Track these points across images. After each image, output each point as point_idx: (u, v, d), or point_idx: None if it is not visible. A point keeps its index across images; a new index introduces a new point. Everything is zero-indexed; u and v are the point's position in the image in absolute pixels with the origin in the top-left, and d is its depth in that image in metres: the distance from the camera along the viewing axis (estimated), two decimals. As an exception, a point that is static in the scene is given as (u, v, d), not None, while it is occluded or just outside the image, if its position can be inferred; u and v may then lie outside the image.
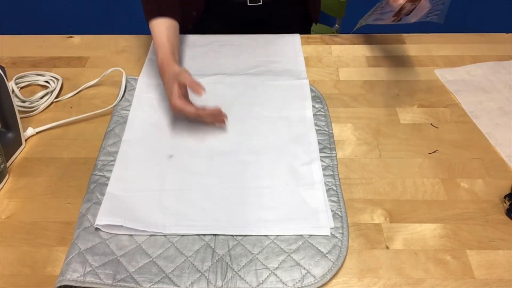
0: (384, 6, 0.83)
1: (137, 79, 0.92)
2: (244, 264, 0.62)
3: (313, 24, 1.23)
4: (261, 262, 0.63)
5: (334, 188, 0.72)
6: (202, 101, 0.88)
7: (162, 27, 0.86)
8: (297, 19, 1.16)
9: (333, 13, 1.52)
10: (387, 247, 0.65)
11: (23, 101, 0.87)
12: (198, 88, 0.74)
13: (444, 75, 0.96)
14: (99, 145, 0.79)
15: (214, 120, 0.81)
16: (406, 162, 0.77)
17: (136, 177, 0.74)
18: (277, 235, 0.66)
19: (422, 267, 0.63)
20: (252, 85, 0.91)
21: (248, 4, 1.04)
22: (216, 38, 1.04)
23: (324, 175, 0.74)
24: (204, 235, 0.66)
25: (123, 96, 0.89)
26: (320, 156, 0.77)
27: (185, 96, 0.79)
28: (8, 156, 0.76)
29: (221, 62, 0.97)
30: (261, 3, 1.04)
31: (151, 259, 0.63)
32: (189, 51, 1.00)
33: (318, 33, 1.24)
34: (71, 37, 1.07)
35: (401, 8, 0.81)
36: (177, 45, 0.88)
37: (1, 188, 0.73)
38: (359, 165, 0.77)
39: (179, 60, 0.88)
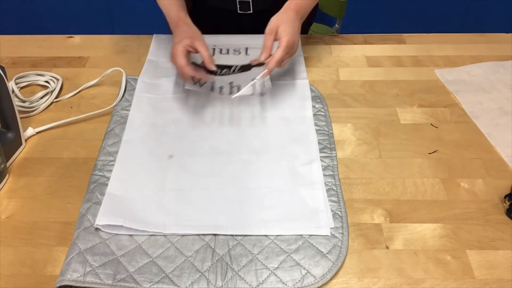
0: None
1: (137, 79, 0.92)
2: (244, 264, 0.62)
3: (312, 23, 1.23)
4: (261, 262, 0.63)
5: (334, 188, 0.72)
6: (201, 102, 0.88)
7: None
8: None
9: (333, 13, 1.52)
10: (387, 247, 0.65)
11: (23, 101, 0.87)
12: (211, 65, 0.78)
13: (444, 75, 0.96)
14: (99, 145, 0.79)
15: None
16: (406, 162, 0.77)
17: (136, 177, 0.74)
18: (277, 235, 0.66)
19: (422, 267, 0.63)
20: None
21: (239, 12, 1.04)
22: (216, 38, 1.04)
23: (324, 175, 0.74)
24: (204, 235, 0.66)
25: (123, 96, 0.89)
26: (320, 156, 0.77)
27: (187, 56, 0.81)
28: (8, 156, 0.76)
29: (221, 62, 0.97)
30: (251, 11, 1.04)
31: (151, 259, 0.63)
32: (189, 51, 1.00)
33: (318, 33, 1.24)
34: (71, 37, 1.07)
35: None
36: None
37: (1, 188, 0.73)
38: (359, 165, 0.77)
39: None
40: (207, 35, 1.03)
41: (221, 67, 0.80)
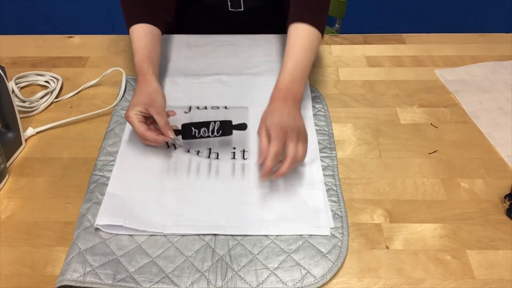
0: None
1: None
2: (244, 264, 0.62)
3: None
4: (261, 262, 0.63)
5: (334, 188, 0.72)
6: (203, 100, 0.88)
7: (140, 33, 0.83)
8: (282, 26, 1.13)
9: (333, 13, 1.52)
10: (387, 247, 0.65)
11: (23, 101, 0.87)
12: (168, 133, 0.72)
13: (444, 75, 0.96)
14: (99, 145, 0.79)
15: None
16: (406, 162, 0.77)
17: (136, 177, 0.74)
18: (277, 235, 0.66)
19: (422, 267, 0.63)
20: (252, 85, 0.91)
21: (230, 9, 1.03)
22: (216, 38, 1.04)
23: (324, 175, 0.74)
24: (204, 235, 0.66)
25: (123, 96, 0.89)
26: (320, 156, 0.77)
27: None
28: (8, 156, 0.76)
29: (221, 62, 0.97)
30: (242, 9, 1.03)
31: (151, 259, 0.63)
32: (189, 51, 1.00)
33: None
34: (71, 37, 1.07)
35: None
36: (158, 53, 0.85)
37: (1, 188, 0.73)
38: (359, 165, 0.77)
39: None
40: (212, 35, 1.04)
41: (198, 126, 0.73)
